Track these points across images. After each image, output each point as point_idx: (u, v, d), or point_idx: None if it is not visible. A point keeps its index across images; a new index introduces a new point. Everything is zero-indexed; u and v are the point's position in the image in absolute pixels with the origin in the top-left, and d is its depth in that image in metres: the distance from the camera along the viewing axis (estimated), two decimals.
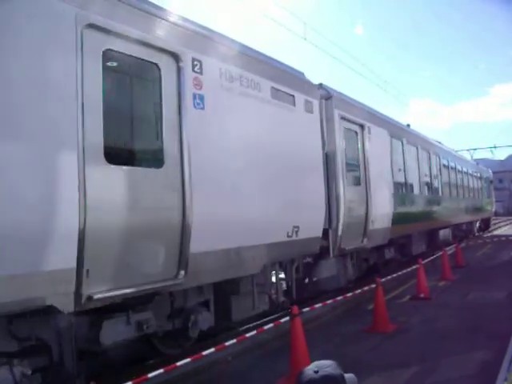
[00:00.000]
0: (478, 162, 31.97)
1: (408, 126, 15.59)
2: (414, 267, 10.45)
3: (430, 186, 16.21)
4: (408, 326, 7.68)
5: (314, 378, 1.85)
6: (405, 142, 13.42)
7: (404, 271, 10.28)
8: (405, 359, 6.03)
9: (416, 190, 14.48)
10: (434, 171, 16.74)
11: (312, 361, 2.04)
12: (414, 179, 14.19)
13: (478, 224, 28.21)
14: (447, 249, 13.84)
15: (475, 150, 46.25)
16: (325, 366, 1.92)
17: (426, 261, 11.57)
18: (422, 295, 9.74)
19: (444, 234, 18.69)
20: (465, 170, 22.96)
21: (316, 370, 1.88)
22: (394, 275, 9.75)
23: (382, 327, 7.41)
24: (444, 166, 18.46)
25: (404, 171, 13.13)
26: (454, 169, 20.39)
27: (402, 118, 17.45)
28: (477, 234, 27.80)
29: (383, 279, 8.54)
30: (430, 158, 16.22)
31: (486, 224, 31.00)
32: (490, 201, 31.28)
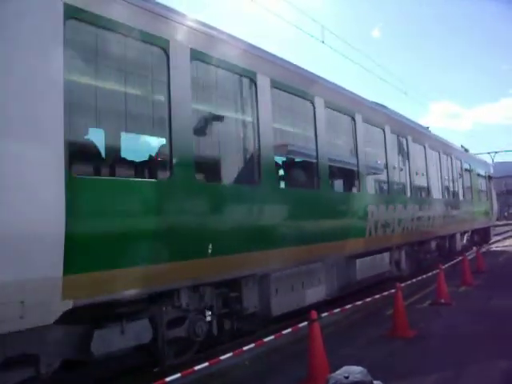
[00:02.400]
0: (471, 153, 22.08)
1: (427, 128, 15.35)
2: (434, 272, 10.27)
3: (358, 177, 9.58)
4: (428, 332, 7.53)
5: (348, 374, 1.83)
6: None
7: (424, 276, 10.11)
8: (425, 366, 5.90)
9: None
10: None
11: (330, 366, 2.03)
12: None
13: (465, 237, 18.53)
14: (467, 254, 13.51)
15: (496, 152, 45.08)
16: (355, 372, 1.89)
17: (445, 266, 11.36)
18: (442, 300, 9.57)
19: (371, 263, 9.88)
20: (443, 159, 15.24)
21: (346, 375, 1.85)
22: (414, 280, 9.60)
23: (402, 332, 7.29)
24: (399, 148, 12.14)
25: None
26: (420, 156, 13.31)
27: (421, 121, 16.96)
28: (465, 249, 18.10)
29: (402, 284, 8.40)
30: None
31: (483, 235, 22.15)
32: (489, 204, 22.38)
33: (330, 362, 5.26)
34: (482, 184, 21.58)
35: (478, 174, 20.79)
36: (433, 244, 14.34)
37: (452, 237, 16.25)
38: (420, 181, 13.25)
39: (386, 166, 10.98)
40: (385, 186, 11.16)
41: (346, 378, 1.83)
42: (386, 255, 10.66)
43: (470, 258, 13.35)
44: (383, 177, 11.02)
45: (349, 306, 7.35)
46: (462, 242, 17.69)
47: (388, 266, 10.78)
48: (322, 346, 5.35)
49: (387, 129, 10.99)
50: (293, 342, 6.56)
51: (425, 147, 13.59)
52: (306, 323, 5.54)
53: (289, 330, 5.57)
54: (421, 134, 13.77)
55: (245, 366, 5.88)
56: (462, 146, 19.93)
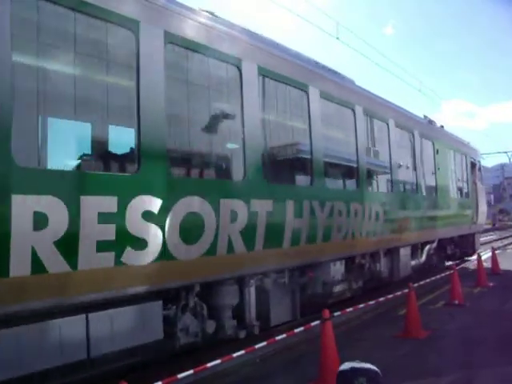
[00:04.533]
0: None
1: (442, 127, 15.07)
2: (448, 273, 10.18)
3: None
4: (442, 333, 7.45)
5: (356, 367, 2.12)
6: None
7: (437, 276, 10.02)
8: (439, 367, 5.83)
9: None
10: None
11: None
12: None
13: (424, 252, 12.55)
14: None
15: None
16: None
17: (459, 267, 11.24)
18: (456, 302, 9.46)
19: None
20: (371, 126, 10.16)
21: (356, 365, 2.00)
22: (428, 280, 9.51)
23: (415, 333, 7.22)
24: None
25: None
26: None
27: (435, 119, 15.66)
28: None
29: (416, 284, 8.33)
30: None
31: (463, 246, 16.21)
32: (471, 203, 16.16)
33: (341, 361, 5.23)
34: (458, 174, 15.20)
35: (452, 159, 14.62)
36: (333, 269, 8.27)
37: (386, 254, 10.37)
38: (382, 173, 10.56)
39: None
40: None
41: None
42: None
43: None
44: None
45: (361, 306, 7.33)
46: (413, 259, 11.65)
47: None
48: (335, 345, 5.32)
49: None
50: (305, 340, 6.55)
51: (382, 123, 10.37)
52: (318, 322, 5.52)
53: (301, 328, 5.56)
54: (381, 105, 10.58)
55: (256, 364, 5.88)
56: (424, 117, 13.56)
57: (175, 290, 5.43)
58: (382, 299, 7.78)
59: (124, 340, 4.64)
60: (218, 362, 4.27)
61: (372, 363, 2.15)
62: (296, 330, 5.50)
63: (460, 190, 15.50)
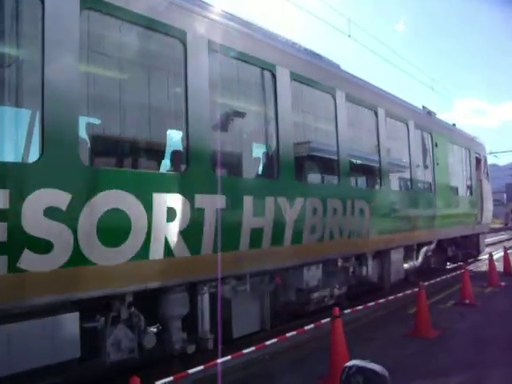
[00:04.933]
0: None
1: (454, 125, 14.93)
2: (459, 272, 10.12)
3: None
4: (452, 333, 7.43)
5: (357, 365, 2.10)
6: None
7: (448, 275, 9.97)
8: (449, 367, 5.82)
9: None
10: None
11: None
12: None
13: (421, 254, 11.55)
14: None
15: None
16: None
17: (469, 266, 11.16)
18: (467, 301, 9.41)
19: None
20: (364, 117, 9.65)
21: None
22: (438, 279, 9.47)
23: (425, 332, 7.21)
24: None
25: None
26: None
27: (447, 117, 15.43)
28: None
29: (426, 283, 8.30)
30: None
31: (466, 247, 15.24)
32: (474, 200, 15.04)
33: (350, 359, 5.24)
34: (461, 170, 14.37)
35: (454, 153, 13.83)
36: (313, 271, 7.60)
37: (375, 257, 9.53)
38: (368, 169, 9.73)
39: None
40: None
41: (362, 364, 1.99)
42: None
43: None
44: None
45: (371, 304, 7.32)
46: (407, 262, 10.83)
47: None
48: (345, 343, 5.34)
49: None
50: (315, 337, 6.57)
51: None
52: (328, 319, 5.54)
53: (311, 325, 5.58)
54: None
55: (266, 361, 5.91)
56: (423, 108, 12.60)
57: (102, 299, 4.67)
58: (391, 298, 7.76)
59: (22, 361, 3.90)
60: (228, 358, 4.31)
61: (381, 362, 2.16)
62: (306, 328, 5.51)
63: (462, 187, 14.47)
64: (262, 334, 6.78)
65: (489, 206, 16.67)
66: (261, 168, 7.36)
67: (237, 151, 6.99)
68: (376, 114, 9.45)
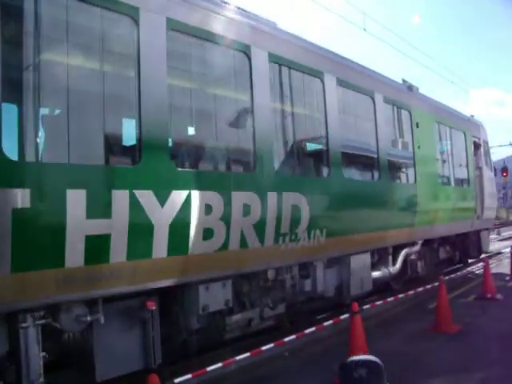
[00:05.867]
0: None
1: (472, 116, 14.57)
2: (480, 265, 9.95)
3: None
4: (474, 328, 7.30)
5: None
6: None
7: (468, 269, 9.81)
8: (471, 363, 5.71)
9: None
10: None
11: None
12: None
13: (411, 253, 9.82)
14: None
15: None
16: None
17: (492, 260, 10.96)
18: (488, 295, 9.24)
19: None
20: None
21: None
22: (459, 273, 9.32)
23: (445, 327, 7.10)
24: None
25: None
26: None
27: (464, 109, 14.59)
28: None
29: (446, 277, 8.18)
30: None
31: (465, 247, 12.75)
32: (471, 192, 12.55)
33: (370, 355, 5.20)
34: (453, 156, 12.18)
35: (443, 136, 11.73)
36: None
37: (341, 262, 7.73)
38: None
39: None
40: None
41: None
42: None
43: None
44: None
45: (390, 299, 7.24)
46: (378, 270, 8.72)
47: None
48: (364, 339, 5.29)
49: None
50: (334, 333, 6.52)
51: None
52: (347, 315, 5.49)
53: (330, 321, 5.53)
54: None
55: (285, 357, 5.88)
56: (403, 81, 10.64)
57: None
58: (411, 292, 7.67)
59: None
60: (247, 355, 4.29)
61: (401, 357, 2.11)
62: (325, 323, 5.47)
63: (455, 176, 12.19)
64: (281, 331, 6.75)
65: (491, 198, 14.07)
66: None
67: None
68: (322, 81, 7.30)
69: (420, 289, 7.95)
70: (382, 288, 9.11)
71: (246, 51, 5.97)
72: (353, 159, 8.25)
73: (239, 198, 5.56)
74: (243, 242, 5.64)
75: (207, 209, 5.18)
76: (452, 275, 9.29)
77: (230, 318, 5.90)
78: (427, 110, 10.71)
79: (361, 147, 8.71)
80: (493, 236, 23.46)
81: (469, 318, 7.74)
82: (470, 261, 13.46)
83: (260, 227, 5.82)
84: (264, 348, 4.53)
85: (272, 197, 6.03)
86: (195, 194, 5.05)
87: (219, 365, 4.10)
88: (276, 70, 6.63)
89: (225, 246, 5.39)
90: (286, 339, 4.84)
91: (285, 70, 6.80)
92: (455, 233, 11.88)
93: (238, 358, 4.21)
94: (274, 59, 6.39)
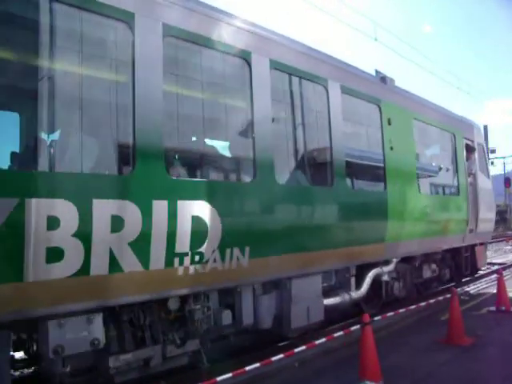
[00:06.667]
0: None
1: (485, 127, 14.39)
2: (493, 276, 9.82)
3: None
4: (487, 341, 7.17)
5: None
6: None
7: (482, 281, 9.68)
8: (484, 377, 5.61)
9: None
10: None
11: (382, 371, 2.02)
12: None
13: (383, 273, 8.45)
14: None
15: None
16: None
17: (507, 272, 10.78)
18: (502, 308, 9.10)
19: None
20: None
21: None
22: (471, 285, 9.21)
23: (458, 340, 6.99)
24: None
25: None
26: None
27: (478, 119, 14.49)
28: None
29: (459, 289, 8.08)
30: None
31: (459, 263, 11.41)
32: (463, 203, 11.03)
33: (381, 367, 5.15)
34: (438, 160, 10.93)
35: (424, 136, 10.37)
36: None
37: (281, 287, 6.47)
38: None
39: None
40: None
41: None
42: None
43: None
44: None
45: (402, 310, 7.18)
46: (333, 296, 7.39)
47: None
48: (375, 351, 5.23)
49: None
50: (345, 344, 6.47)
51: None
52: (358, 326, 5.45)
53: (340, 332, 5.50)
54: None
55: (294, 368, 5.85)
56: (377, 72, 9.24)
57: None
58: (422, 304, 7.59)
59: None
60: (256, 365, 4.28)
61: (413, 370, 2.08)
62: (335, 335, 5.44)
63: (442, 183, 10.93)
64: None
65: (488, 209, 12.46)
66: None
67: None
68: (249, 64, 5.96)
69: (432, 300, 7.85)
70: (355, 313, 8.19)
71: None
72: (294, 160, 7.02)
73: (104, 208, 4.30)
74: (114, 265, 4.39)
75: (52, 222, 3.97)
76: (465, 287, 9.15)
77: (115, 358, 4.80)
78: (403, 105, 9.22)
79: (305, 145, 7.20)
80: (508, 247, 23.19)
81: (482, 331, 7.62)
82: (477, 274, 12.30)
83: (141, 246, 4.56)
84: (274, 358, 4.52)
85: (160, 206, 4.72)
86: (35, 204, 3.88)
87: (229, 375, 4.09)
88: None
89: (84, 270, 4.18)
90: (296, 350, 4.82)
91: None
92: (442, 249, 10.54)
93: (247, 368, 4.20)
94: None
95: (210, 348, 5.70)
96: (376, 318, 6.11)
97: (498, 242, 24.29)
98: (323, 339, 5.25)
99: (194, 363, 5.63)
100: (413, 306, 7.36)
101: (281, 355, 4.62)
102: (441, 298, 7.98)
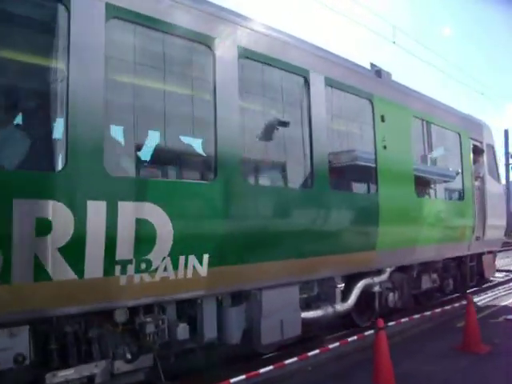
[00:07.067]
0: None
1: (506, 131, 14.19)
2: (511, 284, 9.67)
3: None
4: (505, 349, 7.05)
5: None
6: None
7: (500, 288, 9.53)
8: None
9: None
10: None
11: (396, 377, 1.99)
12: None
13: (374, 284, 7.74)
14: None
15: None
16: None
17: None
18: None
19: None
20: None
21: None
22: (488, 292, 9.07)
23: (474, 347, 6.88)
24: None
25: None
26: None
27: (500, 124, 13.95)
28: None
29: (475, 296, 7.98)
30: None
31: (464, 272, 10.58)
32: (468, 208, 10.23)
33: (395, 374, 5.10)
34: (440, 161, 9.94)
35: (424, 135, 9.57)
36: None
37: (252, 299, 5.81)
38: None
39: None
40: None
41: None
42: None
43: None
44: None
45: (417, 316, 7.10)
46: (314, 308, 6.71)
47: None
48: (388, 356, 5.18)
49: None
50: (358, 349, 6.43)
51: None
52: (372, 331, 5.41)
53: (354, 337, 5.47)
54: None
55: (308, 372, 5.83)
56: (372, 66, 8.49)
57: None
58: (438, 310, 7.50)
59: None
60: (270, 368, 4.28)
61: (430, 377, 2.06)
62: (349, 339, 5.40)
63: (444, 186, 10.09)
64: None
65: (497, 215, 11.63)
66: None
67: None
68: (212, 50, 5.31)
69: (448, 307, 7.76)
70: (347, 324, 7.87)
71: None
72: (270, 158, 6.48)
73: (26, 208, 3.75)
74: (40, 272, 3.83)
75: None
76: (481, 294, 9.02)
77: (52, 374, 4.29)
78: (400, 102, 8.45)
79: (281, 142, 6.44)
80: None
81: (499, 339, 7.49)
82: (483, 285, 11.37)
83: (74, 251, 4.00)
84: (287, 362, 4.51)
85: (96, 208, 4.11)
86: None
87: (243, 377, 4.10)
88: None
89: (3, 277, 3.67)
90: (310, 353, 4.81)
91: None
92: (444, 257, 9.78)
93: (261, 370, 4.20)
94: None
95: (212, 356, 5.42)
96: (390, 324, 6.05)
97: None
98: (337, 343, 5.22)
99: (152, 380, 5.08)
100: (428, 313, 7.28)
101: (294, 358, 4.60)
102: (456, 304, 7.88)
